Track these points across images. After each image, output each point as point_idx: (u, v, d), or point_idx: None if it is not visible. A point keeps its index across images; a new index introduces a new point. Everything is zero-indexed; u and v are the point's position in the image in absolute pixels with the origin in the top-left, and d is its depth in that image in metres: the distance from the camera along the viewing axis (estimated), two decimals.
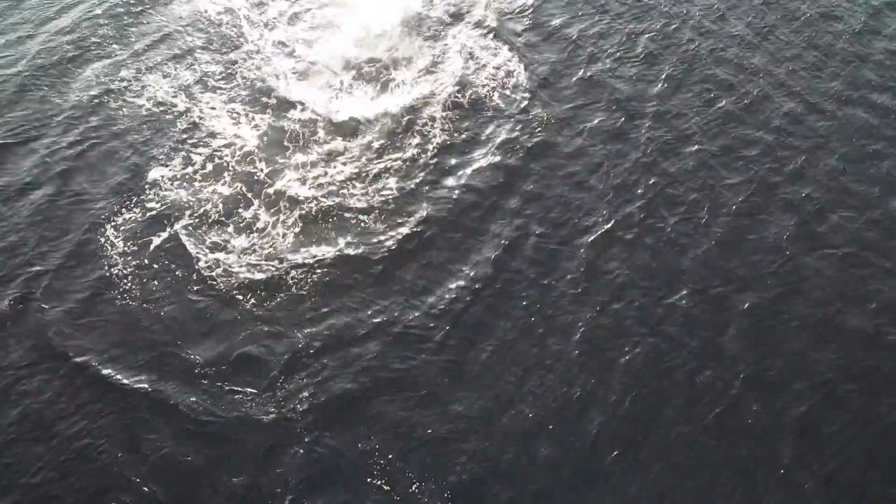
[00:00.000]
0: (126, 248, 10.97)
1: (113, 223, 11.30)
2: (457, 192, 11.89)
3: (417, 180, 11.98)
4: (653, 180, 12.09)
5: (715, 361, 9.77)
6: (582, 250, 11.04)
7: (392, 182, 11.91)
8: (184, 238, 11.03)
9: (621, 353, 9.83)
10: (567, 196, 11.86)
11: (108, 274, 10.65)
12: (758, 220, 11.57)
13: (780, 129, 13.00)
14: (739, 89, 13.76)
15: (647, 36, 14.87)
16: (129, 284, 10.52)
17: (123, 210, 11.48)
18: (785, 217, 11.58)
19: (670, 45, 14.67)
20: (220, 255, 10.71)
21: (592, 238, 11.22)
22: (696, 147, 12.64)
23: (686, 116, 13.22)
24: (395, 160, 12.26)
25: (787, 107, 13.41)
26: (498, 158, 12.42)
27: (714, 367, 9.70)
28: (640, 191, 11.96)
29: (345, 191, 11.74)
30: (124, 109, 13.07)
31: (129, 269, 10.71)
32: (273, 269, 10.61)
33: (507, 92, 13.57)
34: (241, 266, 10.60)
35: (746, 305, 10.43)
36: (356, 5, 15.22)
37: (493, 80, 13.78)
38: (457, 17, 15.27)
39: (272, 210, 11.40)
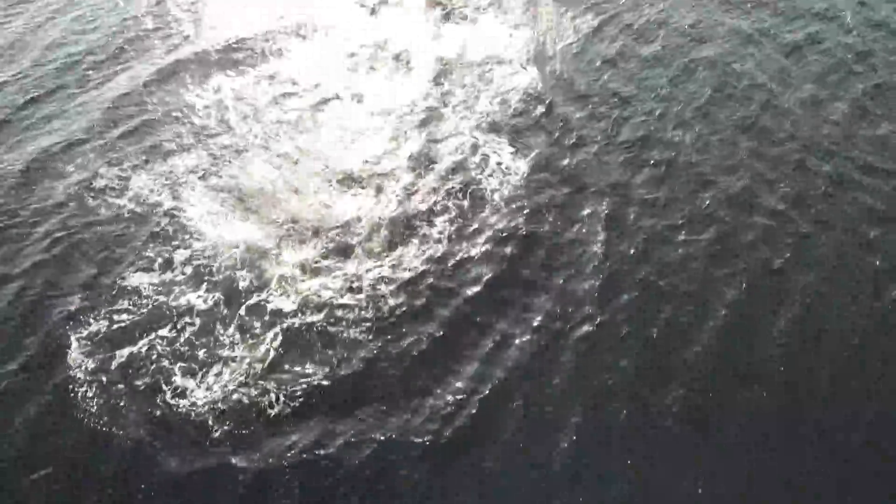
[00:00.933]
0: (91, 359, 10.23)
1: (80, 329, 10.60)
2: (451, 289, 11.37)
3: (412, 285, 11.35)
4: (645, 271, 11.68)
5: (710, 460, 9.37)
6: (576, 344, 10.62)
7: (385, 290, 11.26)
8: (154, 354, 10.25)
9: (614, 455, 9.43)
10: (560, 287, 11.45)
11: (68, 387, 9.93)
12: (753, 312, 11.17)
13: (771, 217, 12.63)
14: (727, 178, 13.36)
15: (633, 122, 14.53)
16: (91, 401, 9.73)
17: (93, 315, 10.76)
18: (781, 309, 11.16)
19: (657, 132, 14.32)
20: (190, 382, 9.90)
21: (587, 330, 10.78)
22: (687, 237, 12.23)
23: (675, 205, 12.85)
24: (390, 263, 11.65)
25: (777, 195, 13.03)
26: (491, 248, 11.95)
27: (709, 465, 9.31)
28: (633, 281, 11.55)
29: (334, 301, 11.06)
30: (103, 206, 12.44)
31: (92, 384, 9.93)
32: (250, 393, 9.80)
33: (499, 179, 13.15)
34: (214, 390, 9.78)
35: (746, 402, 9.97)
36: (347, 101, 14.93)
37: (483, 168, 13.39)
38: (445, 104, 14.96)
39: (253, 325, 10.66)
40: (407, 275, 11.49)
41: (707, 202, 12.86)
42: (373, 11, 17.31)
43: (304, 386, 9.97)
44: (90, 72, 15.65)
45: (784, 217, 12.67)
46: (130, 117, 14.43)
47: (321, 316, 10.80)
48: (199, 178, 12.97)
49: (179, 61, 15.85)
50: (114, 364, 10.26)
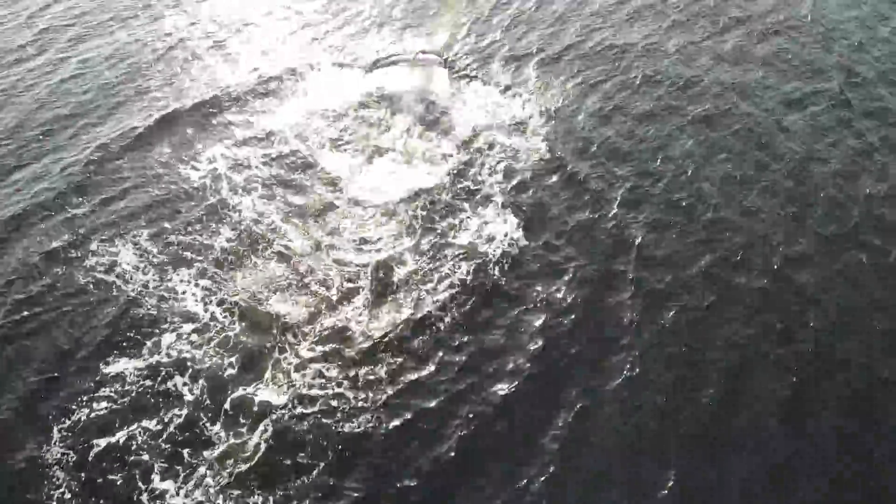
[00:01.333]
0: (68, 450, 9.68)
1: (59, 416, 10.05)
2: (456, 378, 10.89)
3: (413, 371, 10.87)
4: (643, 336, 11.53)
5: None
6: (567, 420, 10.37)
7: (385, 377, 10.75)
8: (134, 446, 9.66)
9: None
10: (550, 353, 11.23)
11: (40, 478, 9.37)
12: (748, 381, 11.06)
13: (769, 279, 12.52)
14: (729, 235, 13.29)
15: (631, 181, 14.36)
16: (63, 496, 9.13)
17: (74, 402, 10.21)
18: (776, 379, 11.07)
19: (655, 189, 14.19)
20: (170, 484, 9.26)
21: (579, 408, 10.53)
22: (681, 302, 12.08)
23: (670, 267, 12.68)
24: (390, 350, 11.19)
25: (778, 254, 12.97)
26: (496, 334, 11.54)
27: None
28: (628, 346, 11.38)
29: (329, 392, 10.54)
30: (90, 283, 11.97)
31: (66, 478, 9.34)
32: (234, 495, 9.17)
33: (505, 254, 12.76)
34: (195, 496, 9.15)
35: (745, 473, 9.90)
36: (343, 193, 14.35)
37: (489, 243, 13.02)
38: (444, 174, 14.59)
39: (241, 418, 10.09)
40: (408, 361, 11.02)
41: (707, 262, 12.72)
42: (367, 72, 17.20)
43: (295, 489, 9.37)
44: (77, 133, 15.23)
45: (784, 277, 12.48)
46: (119, 182, 14.00)
47: (315, 408, 10.25)
48: (191, 254, 12.56)
49: (169, 124, 15.46)
50: (91, 455, 9.67)
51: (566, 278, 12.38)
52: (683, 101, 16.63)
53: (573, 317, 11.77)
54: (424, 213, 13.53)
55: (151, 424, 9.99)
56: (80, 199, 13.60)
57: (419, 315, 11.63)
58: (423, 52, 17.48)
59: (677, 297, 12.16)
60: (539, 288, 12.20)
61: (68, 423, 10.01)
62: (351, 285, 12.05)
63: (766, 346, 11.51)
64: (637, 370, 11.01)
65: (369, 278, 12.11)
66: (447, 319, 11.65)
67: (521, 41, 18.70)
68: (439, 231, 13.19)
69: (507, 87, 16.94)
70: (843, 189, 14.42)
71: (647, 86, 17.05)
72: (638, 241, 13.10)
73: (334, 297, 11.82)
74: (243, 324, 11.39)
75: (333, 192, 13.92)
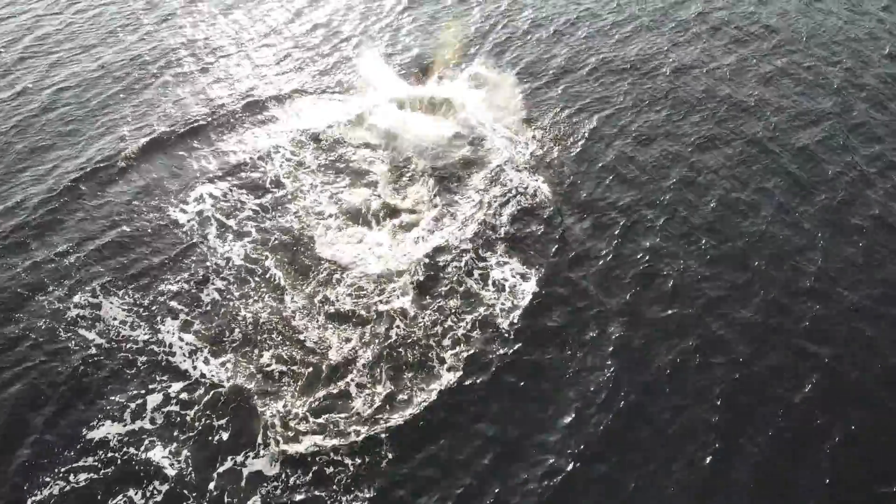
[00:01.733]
0: None
1: (34, 488, 9.48)
2: (455, 431, 10.40)
3: (412, 428, 10.34)
4: (658, 406, 10.97)
5: None
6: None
7: (384, 436, 10.16)
8: None
9: None
10: (569, 425, 10.64)
11: None
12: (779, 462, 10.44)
13: (787, 349, 11.89)
14: (738, 302, 12.60)
15: (637, 237, 13.64)
16: None
17: (51, 472, 9.62)
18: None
19: (662, 248, 13.47)
20: None
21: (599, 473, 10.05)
22: (699, 371, 11.48)
23: (685, 330, 12.03)
24: (387, 406, 10.62)
25: (792, 323, 12.33)
26: (495, 380, 11.07)
27: None
28: (644, 419, 10.82)
29: (324, 458, 9.96)
30: (72, 339, 11.38)
31: None
32: None
33: (504, 302, 12.22)
34: None
35: None
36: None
37: (488, 290, 12.47)
38: (446, 216, 14.00)
39: (229, 490, 9.50)
40: (407, 417, 10.45)
41: (717, 329, 12.03)
42: (361, 119, 16.26)
43: None
44: (57, 164, 14.55)
45: (801, 349, 11.80)
46: (101, 222, 13.38)
47: (308, 477, 9.67)
48: (179, 304, 11.98)
49: (154, 155, 14.87)
50: None
51: (579, 331, 11.87)
52: (684, 124, 16.08)
53: (590, 379, 11.24)
54: (428, 261, 12.88)
55: (134, 497, 9.41)
56: (60, 239, 13.02)
57: (422, 380, 11.04)
58: (422, 75, 17.00)
59: (688, 366, 11.53)
60: (551, 348, 11.62)
61: (42, 495, 9.42)
62: (348, 345, 11.41)
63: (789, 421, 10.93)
64: (647, 447, 10.39)
65: (369, 337, 11.51)
66: (439, 363, 11.12)
67: (518, 64, 18.17)
68: (447, 281, 12.55)
69: (506, 113, 16.41)
70: (852, 214, 13.91)
71: (647, 109, 16.52)
72: (646, 300, 12.52)
73: (332, 358, 11.20)
74: (233, 382, 10.81)
75: (331, 239, 13.30)
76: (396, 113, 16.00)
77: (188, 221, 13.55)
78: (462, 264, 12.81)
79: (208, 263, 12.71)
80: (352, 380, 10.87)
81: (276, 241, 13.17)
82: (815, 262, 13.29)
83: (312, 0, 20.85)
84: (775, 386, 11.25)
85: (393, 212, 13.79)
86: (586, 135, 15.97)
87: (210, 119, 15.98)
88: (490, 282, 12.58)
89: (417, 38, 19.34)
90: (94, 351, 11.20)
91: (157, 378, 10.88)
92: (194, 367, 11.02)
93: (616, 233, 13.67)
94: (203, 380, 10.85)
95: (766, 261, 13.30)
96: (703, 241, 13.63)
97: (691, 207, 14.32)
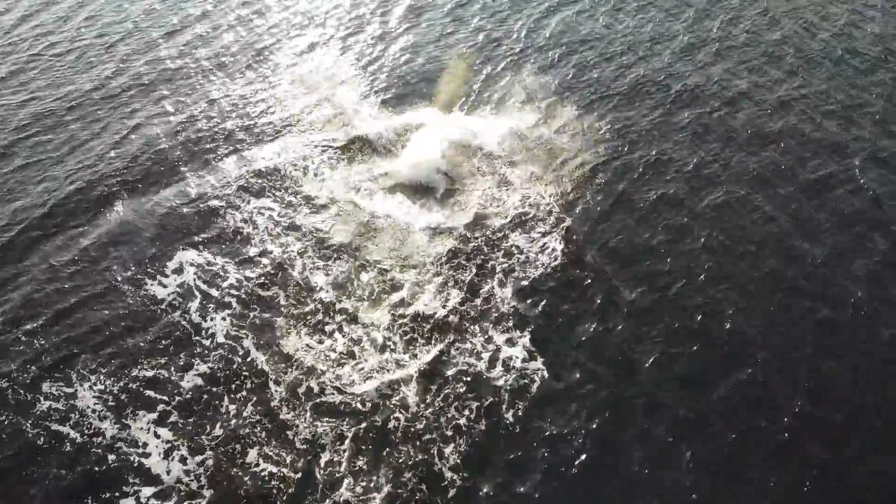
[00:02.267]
0: None
1: None
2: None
3: None
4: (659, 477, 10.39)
5: None
6: None
7: None
8: None
9: None
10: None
11: None
12: None
13: (795, 412, 11.23)
14: (761, 353, 12.02)
15: (639, 291, 12.91)
16: None
17: None
18: None
19: (660, 302, 12.75)
20: None
21: None
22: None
23: (687, 394, 11.37)
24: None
25: (800, 385, 11.61)
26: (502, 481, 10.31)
27: None
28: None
29: None
30: (42, 435, 10.70)
31: None
32: None
33: (515, 388, 11.43)
34: None
35: None
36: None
37: (498, 375, 11.68)
38: (451, 285, 13.13)
39: None
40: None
41: (730, 386, 11.43)
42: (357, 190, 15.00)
43: None
44: (28, 246, 13.47)
45: (822, 407, 11.19)
46: (72, 299, 12.38)
47: None
48: (155, 393, 11.27)
49: (130, 223, 13.91)
50: None
51: (579, 410, 11.14)
52: (694, 189, 15.30)
53: (588, 459, 10.54)
54: (426, 338, 12.02)
55: None
56: (28, 319, 12.16)
57: (423, 481, 10.26)
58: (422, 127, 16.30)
59: (698, 433, 10.92)
60: (552, 428, 10.86)
61: None
62: (342, 444, 10.56)
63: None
64: None
65: (364, 433, 10.78)
66: (446, 461, 10.38)
67: (521, 123, 17.16)
68: (451, 366, 11.67)
69: (512, 167, 15.66)
70: (873, 296, 13.25)
71: (655, 171, 15.55)
72: (650, 360, 11.83)
73: (322, 456, 10.45)
74: (213, 490, 10.15)
75: (318, 316, 12.41)
76: (401, 165, 15.18)
77: (168, 293, 12.82)
78: (467, 346, 12.07)
79: (188, 345, 11.93)
80: (348, 487, 10.19)
81: (263, 320, 12.40)
82: (842, 352, 12.28)
83: (304, 50, 19.71)
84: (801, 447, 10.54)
85: (392, 286, 12.92)
86: (590, 195, 14.95)
87: (189, 166, 15.17)
88: (499, 363, 11.80)
89: (418, 66, 18.55)
90: (62, 448, 10.42)
91: (129, 480, 10.08)
92: (168, 470, 10.31)
93: (635, 309, 12.68)
94: (178, 485, 10.15)
95: (780, 303, 12.66)
96: (714, 321, 12.54)
97: (702, 282, 13.25)
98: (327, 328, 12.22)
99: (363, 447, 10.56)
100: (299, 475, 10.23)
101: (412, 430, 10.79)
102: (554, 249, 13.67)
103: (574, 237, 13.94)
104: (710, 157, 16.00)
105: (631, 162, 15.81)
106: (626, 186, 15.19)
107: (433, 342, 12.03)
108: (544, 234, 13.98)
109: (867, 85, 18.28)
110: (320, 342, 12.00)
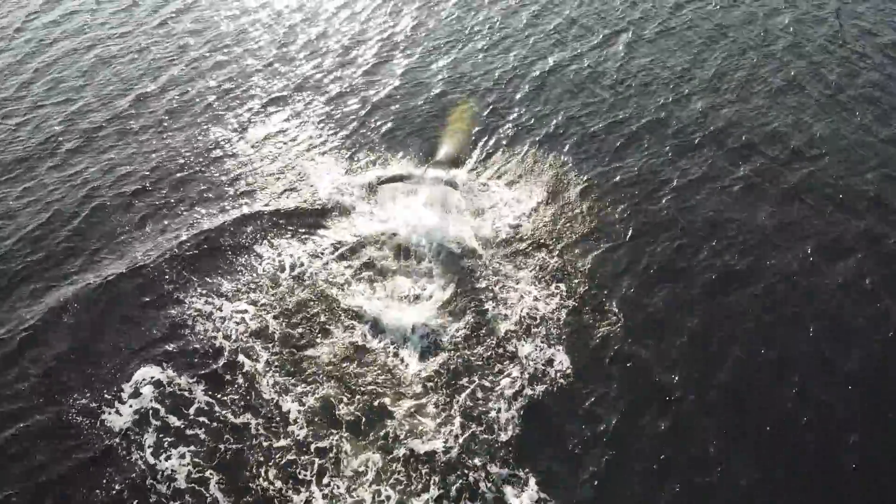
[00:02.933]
0: None
1: None
2: None
3: None
4: None
5: None
6: None
7: None
8: None
9: None
10: None
11: None
12: None
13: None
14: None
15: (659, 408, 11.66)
16: None
17: None
18: None
19: (675, 400, 11.47)
20: None
21: None
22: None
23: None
24: None
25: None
26: None
27: None
28: None
29: None
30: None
31: None
32: None
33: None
34: None
35: None
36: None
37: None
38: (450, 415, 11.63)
39: None
40: None
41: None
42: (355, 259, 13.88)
43: None
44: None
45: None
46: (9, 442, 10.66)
47: None
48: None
49: (77, 321, 12.32)
50: None
51: None
52: (703, 256, 13.95)
53: None
54: (418, 484, 10.53)
55: None
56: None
57: None
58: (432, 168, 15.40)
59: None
60: None
61: None
62: None
63: None
64: None
65: None
66: None
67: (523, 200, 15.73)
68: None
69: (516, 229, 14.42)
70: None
71: (661, 238, 14.32)
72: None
73: None
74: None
75: (291, 455, 10.80)
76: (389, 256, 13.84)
77: (123, 425, 10.97)
78: (469, 481, 10.58)
79: (142, 496, 10.25)
80: None
81: (229, 456, 10.79)
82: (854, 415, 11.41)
83: (292, 115, 17.97)
84: None
85: (379, 413, 11.38)
86: (603, 269, 13.64)
87: (152, 267, 13.47)
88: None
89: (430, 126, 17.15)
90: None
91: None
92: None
93: (655, 435, 11.34)
94: None
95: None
96: (732, 409, 11.56)
97: (716, 363, 12.14)
98: (301, 475, 10.57)
99: None
100: None
101: None
102: (562, 362, 12.25)
103: (586, 342, 12.54)
104: (717, 218, 14.80)
105: (635, 228, 14.69)
106: (632, 253, 14.10)
107: (431, 487, 10.48)
108: (551, 344, 12.56)
109: (872, 139, 17.10)
110: (297, 492, 10.36)
